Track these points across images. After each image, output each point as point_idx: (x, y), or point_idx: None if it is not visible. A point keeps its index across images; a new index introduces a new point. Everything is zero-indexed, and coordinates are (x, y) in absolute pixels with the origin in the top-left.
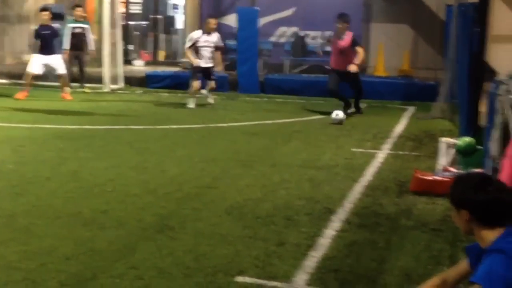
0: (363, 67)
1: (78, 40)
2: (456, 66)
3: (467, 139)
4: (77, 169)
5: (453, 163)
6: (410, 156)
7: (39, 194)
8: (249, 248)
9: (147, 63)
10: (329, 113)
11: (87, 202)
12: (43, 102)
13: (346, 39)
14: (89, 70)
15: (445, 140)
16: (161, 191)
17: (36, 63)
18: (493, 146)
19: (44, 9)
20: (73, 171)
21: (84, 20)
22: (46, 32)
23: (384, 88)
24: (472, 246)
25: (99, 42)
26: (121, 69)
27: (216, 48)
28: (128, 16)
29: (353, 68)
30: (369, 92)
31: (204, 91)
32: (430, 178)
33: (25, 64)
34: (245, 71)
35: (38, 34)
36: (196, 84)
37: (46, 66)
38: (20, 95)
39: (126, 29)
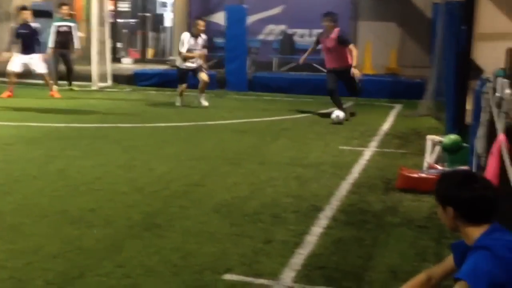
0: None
1: (64, 39)
2: (442, 64)
3: (453, 137)
4: (64, 167)
5: (439, 161)
6: (396, 153)
7: (26, 192)
8: (237, 246)
9: (136, 61)
10: (317, 111)
11: (74, 201)
12: (30, 100)
13: (332, 37)
14: (78, 68)
15: (431, 137)
16: (148, 189)
17: (16, 62)
18: (479, 143)
19: (24, 7)
20: (61, 170)
21: (71, 18)
22: (24, 31)
23: (371, 86)
24: (458, 243)
25: (87, 40)
26: (109, 67)
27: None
28: (117, 14)
29: (355, 73)
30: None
31: (197, 103)
32: (416, 175)
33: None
34: (234, 69)
35: (17, 33)
36: (183, 86)
37: (25, 65)
38: (5, 94)
39: (114, 27)
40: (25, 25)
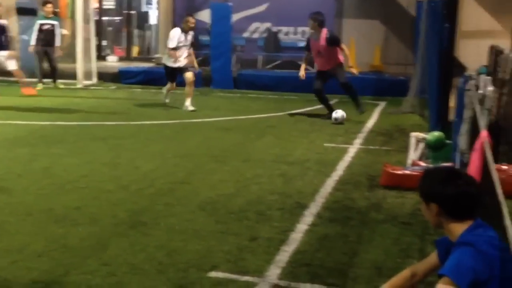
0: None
1: (48, 37)
2: (426, 62)
3: (436, 134)
4: (49, 165)
5: (422, 157)
6: (380, 150)
7: (10, 191)
8: (222, 243)
9: (121, 59)
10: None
11: (59, 199)
12: (14, 98)
13: (321, 39)
14: (62, 66)
15: (415, 134)
16: (134, 187)
17: None
18: (462, 140)
19: None
20: (45, 168)
21: (55, 16)
22: None
23: (356, 84)
24: (441, 239)
25: (72, 37)
26: (94, 64)
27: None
28: (102, 11)
29: (353, 71)
30: (340, 87)
31: (184, 108)
32: (400, 172)
33: None
34: (219, 66)
35: None
36: (172, 85)
37: None
38: None
39: (99, 24)
40: None
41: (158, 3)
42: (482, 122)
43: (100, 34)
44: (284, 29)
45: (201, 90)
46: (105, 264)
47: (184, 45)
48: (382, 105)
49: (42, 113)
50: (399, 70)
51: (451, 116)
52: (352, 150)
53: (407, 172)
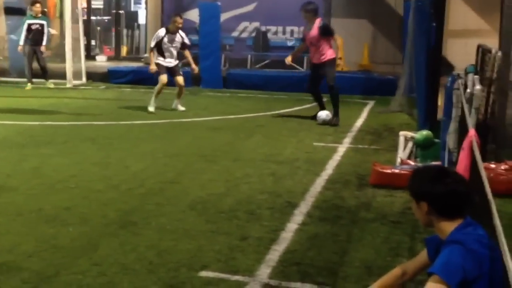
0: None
1: (37, 36)
2: (414, 61)
3: (425, 133)
4: (39, 165)
5: (411, 156)
6: (369, 149)
7: (0, 191)
8: (212, 243)
9: (110, 59)
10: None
11: (49, 199)
12: (3, 99)
13: (314, 28)
14: (52, 65)
15: (403, 133)
16: (124, 187)
17: None
18: (450, 139)
19: None
20: (35, 168)
21: (43, 15)
22: None
23: (344, 83)
24: (431, 237)
25: (61, 37)
26: (83, 64)
27: (183, 46)
28: (90, 11)
29: (340, 63)
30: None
31: (173, 106)
32: (389, 171)
33: None
34: (208, 66)
35: None
36: (163, 78)
37: None
38: None
39: (88, 24)
40: None
41: (146, 2)
42: (470, 121)
43: (89, 33)
44: (273, 28)
45: (190, 89)
46: (96, 264)
47: (172, 46)
48: (370, 104)
49: (31, 113)
50: (387, 69)
51: (439, 115)
52: (341, 149)
53: (396, 171)
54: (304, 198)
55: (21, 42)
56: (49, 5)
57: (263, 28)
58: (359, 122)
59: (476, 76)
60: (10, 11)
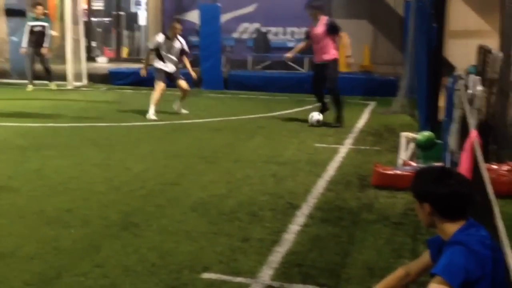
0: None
1: (39, 38)
2: (415, 61)
3: (426, 133)
4: (40, 167)
5: (413, 157)
6: (371, 150)
7: (1, 193)
8: (214, 245)
9: (110, 60)
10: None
11: (51, 201)
12: (4, 101)
13: (320, 25)
14: (53, 67)
15: (405, 134)
16: (125, 189)
17: None
18: (452, 140)
19: None
20: (37, 170)
21: (45, 17)
22: None
23: (345, 84)
24: (433, 238)
25: (61, 38)
26: (84, 66)
27: (182, 53)
28: (91, 12)
29: (349, 61)
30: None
31: (175, 106)
32: (391, 172)
33: None
34: (208, 67)
35: None
36: (161, 85)
37: None
38: None
39: (88, 25)
40: None
41: (147, 4)
42: (472, 121)
43: (89, 35)
44: (273, 29)
45: (191, 91)
46: (98, 266)
47: (170, 52)
48: (372, 105)
49: (32, 115)
50: (388, 70)
51: (441, 115)
52: (343, 150)
53: (398, 172)
54: (306, 200)
55: (24, 44)
56: (50, 6)
57: (264, 29)
58: (360, 123)
59: (478, 77)
60: (10, 12)
